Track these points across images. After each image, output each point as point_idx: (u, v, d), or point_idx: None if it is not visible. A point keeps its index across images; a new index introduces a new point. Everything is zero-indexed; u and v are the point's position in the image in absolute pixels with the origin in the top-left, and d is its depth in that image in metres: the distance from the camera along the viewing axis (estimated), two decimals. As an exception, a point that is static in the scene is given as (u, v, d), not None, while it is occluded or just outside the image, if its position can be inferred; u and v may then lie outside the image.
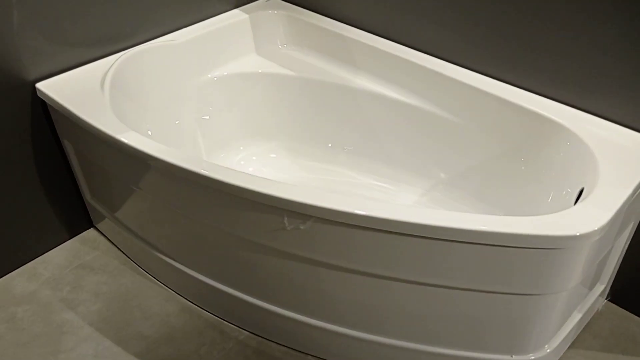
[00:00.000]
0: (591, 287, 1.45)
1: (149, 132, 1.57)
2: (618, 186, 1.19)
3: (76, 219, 1.77)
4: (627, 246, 1.45)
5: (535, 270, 1.15)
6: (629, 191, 1.18)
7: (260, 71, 1.76)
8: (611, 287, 1.54)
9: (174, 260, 1.54)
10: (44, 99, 1.49)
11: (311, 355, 1.48)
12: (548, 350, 1.34)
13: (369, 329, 1.36)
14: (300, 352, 1.48)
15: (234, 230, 1.32)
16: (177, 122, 1.69)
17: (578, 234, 1.08)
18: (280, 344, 1.50)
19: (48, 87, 1.48)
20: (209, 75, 1.73)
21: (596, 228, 1.09)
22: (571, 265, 1.15)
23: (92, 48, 1.58)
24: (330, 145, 1.79)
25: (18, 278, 1.66)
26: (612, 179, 1.22)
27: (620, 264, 1.49)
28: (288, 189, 1.18)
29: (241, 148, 1.80)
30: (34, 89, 1.50)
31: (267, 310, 1.44)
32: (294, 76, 1.75)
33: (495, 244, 1.11)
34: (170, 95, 1.68)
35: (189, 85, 1.71)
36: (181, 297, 1.61)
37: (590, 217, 1.12)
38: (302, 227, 1.21)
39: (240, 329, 1.54)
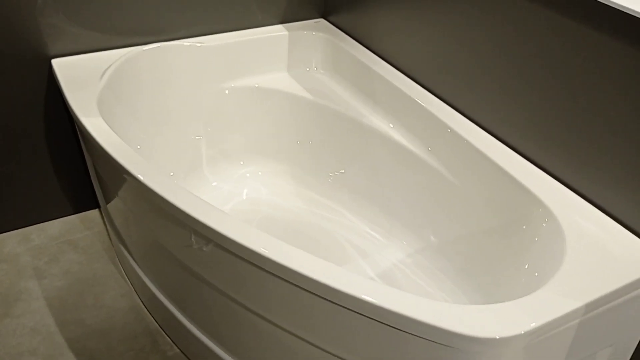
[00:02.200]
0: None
1: (142, 136, 1.57)
2: (571, 292, 0.94)
3: (84, 197, 1.83)
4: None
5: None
6: (578, 304, 0.92)
7: (280, 89, 1.69)
8: None
9: (133, 259, 1.51)
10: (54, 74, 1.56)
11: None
12: None
13: None
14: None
15: (164, 241, 1.26)
16: (181, 124, 1.67)
17: (471, 335, 0.85)
18: (202, 372, 1.40)
19: (60, 65, 1.54)
20: (229, 84, 1.70)
21: (497, 337, 0.85)
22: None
23: (119, 36, 1.62)
24: (332, 179, 1.66)
25: (12, 239, 1.75)
26: (573, 281, 0.96)
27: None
28: (198, 206, 1.08)
29: (241, 163, 1.73)
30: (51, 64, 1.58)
31: (192, 332, 1.35)
32: (311, 100, 1.65)
33: (384, 322, 0.92)
34: (182, 95, 1.67)
35: (205, 90, 1.69)
36: (137, 296, 1.58)
37: (513, 319, 0.89)
38: (204, 249, 1.11)
39: (173, 345, 1.46)
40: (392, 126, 1.52)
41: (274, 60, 1.76)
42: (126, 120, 1.52)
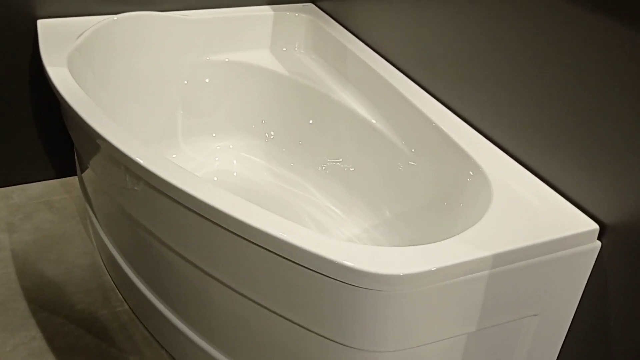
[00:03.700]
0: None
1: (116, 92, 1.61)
2: (481, 243, 0.91)
3: (66, 162, 1.88)
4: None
5: (336, 308, 0.92)
6: (484, 254, 0.89)
7: (259, 66, 1.71)
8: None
9: (97, 219, 1.54)
10: (39, 35, 1.62)
11: (165, 349, 1.36)
12: None
13: (196, 326, 1.23)
14: (156, 341, 1.38)
15: (112, 193, 1.28)
16: (158, 94, 1.71)
17: (362, 269, 0.83)
18: (145, 327, 1.41)
19: (44, 25, 1.60)
20: (209, 57, 1.73)
21: (389, 273, 0.83)
22: (369, 311, 0.89)
23: (108, 3, 1.67)
24: (303, 156, 1.66)
25: (-7, 195, 1.82)
26: (487, 233, 0.93)
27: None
28: (132, 146, 1.10)
29: (214, 135, 1.75)
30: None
31: (140, 289, 1.36)
32: (289, 78, 1.67)
33: (283, 255, 0.91)
34: (160, 65, 1.71)
35: (184, 61, 1.73)
36: (98, 255, 1.60)
37: (413, 261, 0.87)
38: (136, 188, 1.12)
39: (124, 301, 1.48)
40: (358, 101, 1.52)
41: (257, 38, 1.79)
42: (97, 86, 1.55)
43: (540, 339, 1.06)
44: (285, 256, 0.92)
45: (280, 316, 1.02)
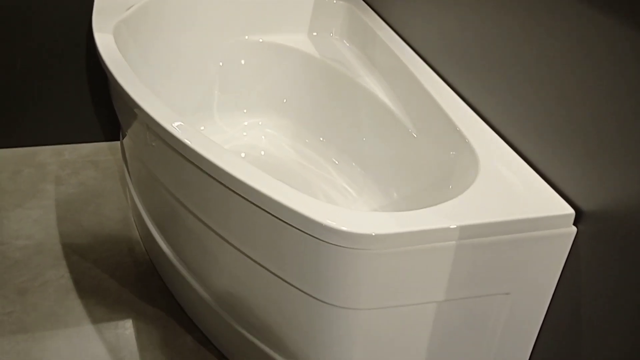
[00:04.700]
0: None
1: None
2: (451, 215, 0.95)
3: (115, 128, 2.04)
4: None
5: (314, 264, 0.99)
6: (451, 224, 0.94)
7: (295, 48, 1.80)
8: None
9: (131, 180, 1.68)
10: None
11: (175, 300, 1.47)
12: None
13: (203, 281, 1.34)
14: (169, 291, 1.50)
15: (137, 150, 1.40)
16: (197, 70, 1.82)
17: (336, 228, 0.90)
18: (161, 279, 1.53)
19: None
20: (246, 37, 1.84)
21: (361, 232, 0.90)
22: (343, 268, 0.95)
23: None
24: (326, 137, 1.74)
25: (47, 152, 1.99)
26: (459, 207, 0.98)
27: None
28: (155, 107, 1.21)
29: (245, 111, 1.85)
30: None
31: (159, 245, 1.48)
32: (321, 62, 1.74)
33: (272, 212, 0.99)
34: (200, 42, 1.82)
35: (225, 40, 1.84)
36: (130, 212, 1.74)
37: (380, 223, 0.93)
38: (154, 144, 1.23)
39: (146, 253, 1.60)
40: (380, 87, 1.58)
41: (295, 21, 1.87)
42: (138, 57, 1.68)
43: (514, 321, 1.08)
44: (273, 213, 1.00)
45: (272, 273, 1.10)
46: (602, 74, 0.94)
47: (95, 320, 1.41)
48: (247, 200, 1.03)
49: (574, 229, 1.00)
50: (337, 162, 1.69)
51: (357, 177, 1.62)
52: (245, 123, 1.84)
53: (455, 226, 0.94)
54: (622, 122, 0.91)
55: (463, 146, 1.21)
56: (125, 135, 1.60)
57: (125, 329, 1.40)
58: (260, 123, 1.84)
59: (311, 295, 1.05)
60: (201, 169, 1.11)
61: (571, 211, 0.99)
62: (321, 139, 1.75)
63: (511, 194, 1.03)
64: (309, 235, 0.96)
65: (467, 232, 0.95)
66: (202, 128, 1.78)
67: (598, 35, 0.94)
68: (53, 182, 1.85)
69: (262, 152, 1.79)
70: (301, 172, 1.70)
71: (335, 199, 1.60)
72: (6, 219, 1.69)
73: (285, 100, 1.84)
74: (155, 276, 1.54)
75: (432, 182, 1.33)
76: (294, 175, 1.69)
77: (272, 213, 1.00)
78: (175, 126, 1.15)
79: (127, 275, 1.54)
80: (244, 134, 1.82)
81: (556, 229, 0.99)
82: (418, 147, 1.40)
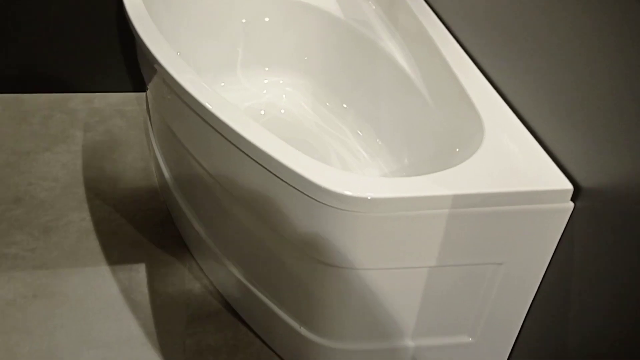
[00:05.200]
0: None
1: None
2: (445, 183, 0.97)
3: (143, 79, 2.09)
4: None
5: (314, 225, 1.02)
6: (445, 192, 0.95)
7: (324, 9, 1.79)
8: None
9: (152, 130, 1.73)
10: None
11: (187, 248, 1.54)
12: (337, 345, 1.16)
13: (211, 233, 1.39)
14: (182, 240, 1.57)
15: (157, 102, 1.44)
16: (221, 27, 1.84)
17: (334, 190, 0.93)
18: (176, 228, 1.59)
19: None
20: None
21: (349, 194, 0.92)
22: (337, 230, 0.99)
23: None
24: (345, 99, 1.75)
25: (79, 99, 2.06)
26: (456, 177, 0.99)
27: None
28: (174, 64, 1.24)
29: (267, 69, 1.87)
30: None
31: (172, 193, 1.54)
32: (350, 26, 1.74)
33: (266, 166, 1.02)
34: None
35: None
36: (151, 161, 1.80)
37: (375, 188, 0.95)
38: (168, 97, 1.27)
39: (164, 203, 1.67)
40: (401, 52, 1.57)
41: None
42: (164, 11, 1.71)
43: (506, 291, 1.10)
44: (272, 171, 1.03)
45: (272, 229, 1.14)
46: (613, 50, 0.92)
47: (111, 262, 1.49)
48: (248, 155, 1.06)
49: (571, 204, 1.00)
50: (354, 125, 1.70)
51: (372, 141, 1.64)
52: (266, 81, 1.86)
53: (449, 194, 0.96)
54: (628, 102, 0.89)
55: (472, 115, 1.21)
56: (148, 87, 1.64)
57: (138, 272, 1.47)
58: (281, 81, 1.86)
59: (308, 254, 1.09)
60: (205, 120, 1.14)
61: (569, 187, 0.99)
62: (340, 100, 1.76)
63: (511, 166, 1.03)
64: (307, 195, 0.99)
65: (460, 201, 0.97)
66: (222, 84, 1.81)
67: (610, 5, 0.92)
68: (82, 128, 1.92)
69: (282, 111, 1.81)
70: (318, 132, 1.72)
71: (348, 162, 1.62)
72: (35, 161, 1.77)
73: (306, 59, 1.85)
74: (171, 224, 1.60)
75: (440, 149, 1.34)
76: (310, 135, 1.71)
77: (272, 171, 1.03)
78: (184, 77, 1.18)
79: (144, 222, 1.60)
80: (265, 91, 1.84)
81: (553, 203, 1.00)
82: (431, 115, 1.40)
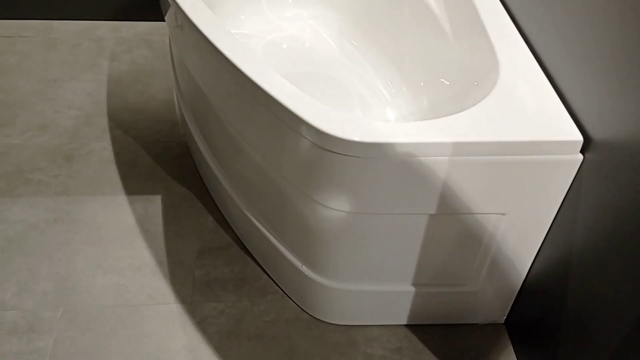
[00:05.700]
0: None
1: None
2: (448, 130, 0.93)
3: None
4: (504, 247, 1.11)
5: (309, 167, 1.01)
6: (444, 139, 0.91)
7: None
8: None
9: (173, 60, 1.72)
10: None
11: (201, 179, 1.56)
12: (338, 285, 1.18)
13: (223, 167, 1.41)
14: (198, 172, 1.59)
15: (173, 33, 1.42)
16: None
17: (325, 131, 0.91)
18: (193, 160, 1.61)
19: None
20: None
21: (349, 138, 0.90)
22: (334, 173, 0.97)
23: None
24: (369, 36, 1.68)
25: (106, 27, 2.06)
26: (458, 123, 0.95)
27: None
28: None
29: (290, 1, 1.81)
30: None
31: (189, 127, 1.54)
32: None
33: (266, 105, 1.00)
34: None
35: None
36: (174, 93, 1.81)
37: (374, 133, 0.92)
38: (178, 23, 1.25)
39: (183, 136, 1.68)
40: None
41: None
42: None
43: (509, 242, 1.07)
44: (272, 110, 1.01)
45: (278, 173, 1.13)
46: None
47: (129, 191, 1.53)
48: (250, 94, 1.04)
49: (580, 156, 0.95)
50: (376, 63, 1.65)
51: (394, 79, 1.58)
52: (289, 14, 1.81)
53: (449, 142, 0.92)
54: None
55: (490, 57, 1.15)
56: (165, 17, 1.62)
57: (155, 203, 1.50)
58: (305, 14, 1.80)
59: (310, 197, 1.08)
60: (210, 54, 1.12)
61: (579, 138, 0.94)
62: (364, 36, 1.70)
63: (521, 112, 0.98)
64: (304, 137, 0.98)
65: (462, 149, 0.93)
66: (242, 17, 1.76)
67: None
68: (108, 57, 1.93)
69: (306, 45, 1.76)
70: (339, 68, 1.67)
71: (367, 100, 1.58)
72: (62, 88, 1.80)
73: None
74: (188, 158, 1.62)
75: (458, 91, 1.28)
76: (332, 71, 1.67)
77: (272, 110, 1.01)
78: (190, 5, 1.15)
79: (163, 154, 1.63)
80: (288, 25, 1.79)
81: (561, 154, 0.95)
82: (451, 53, 1.34)
